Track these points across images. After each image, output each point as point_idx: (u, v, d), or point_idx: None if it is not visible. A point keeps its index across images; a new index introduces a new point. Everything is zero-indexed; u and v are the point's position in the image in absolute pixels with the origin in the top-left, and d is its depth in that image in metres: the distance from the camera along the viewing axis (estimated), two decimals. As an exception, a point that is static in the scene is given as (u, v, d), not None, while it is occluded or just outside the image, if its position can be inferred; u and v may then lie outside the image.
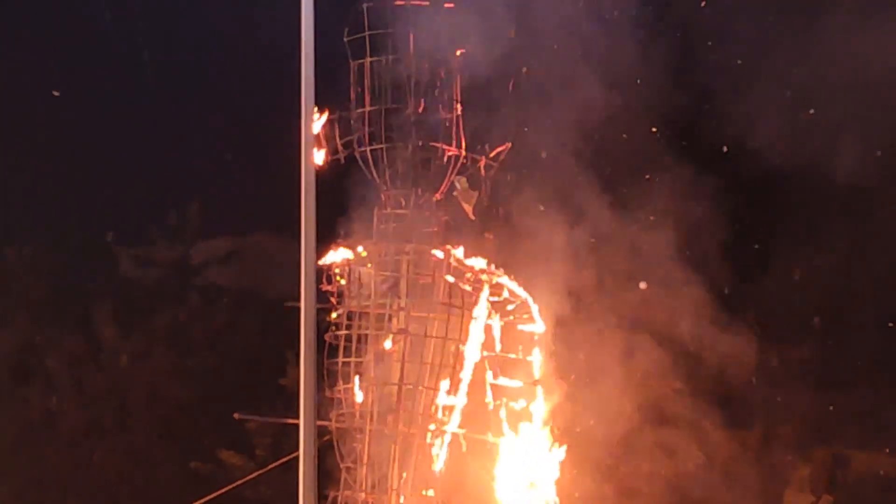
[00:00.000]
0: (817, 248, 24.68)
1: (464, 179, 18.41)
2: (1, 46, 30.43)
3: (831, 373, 24.50)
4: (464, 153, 18.46)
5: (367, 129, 18.31)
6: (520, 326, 18.70)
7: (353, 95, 18.47)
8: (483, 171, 18.61)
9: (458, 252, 18.42)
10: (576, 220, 19.99)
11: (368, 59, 18.31)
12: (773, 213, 25.07)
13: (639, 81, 21.10)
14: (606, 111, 19.92)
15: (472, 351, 18.24)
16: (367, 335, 18.12)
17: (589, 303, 20.39)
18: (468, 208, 18.45)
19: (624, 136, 22.21)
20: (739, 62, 22.73)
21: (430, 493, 18.05)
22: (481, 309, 18.33)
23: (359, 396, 18.05)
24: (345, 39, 18.37)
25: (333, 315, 18.24)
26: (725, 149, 23.52)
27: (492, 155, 18.66)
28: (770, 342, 23.79)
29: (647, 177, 22.29)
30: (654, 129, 22.96)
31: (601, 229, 20.64)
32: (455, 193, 18.46)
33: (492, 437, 18.45)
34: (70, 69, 31.16)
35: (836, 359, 24.69)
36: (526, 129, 19.29)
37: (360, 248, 18.45)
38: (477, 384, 18.36)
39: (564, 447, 18.63)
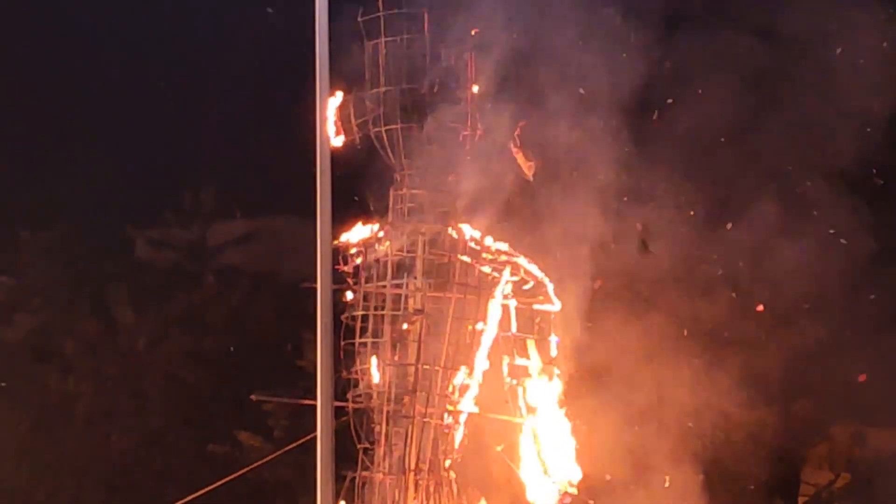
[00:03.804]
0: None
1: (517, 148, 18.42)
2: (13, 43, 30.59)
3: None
4: (479, 132, 18.42)
5: (382, 109, 18.25)
6: (536, 306, 18.66)
7: (367, 76, 18.41)
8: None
9: (476, 233, 18.39)
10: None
11: (383, 40, 18.25)
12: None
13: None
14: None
15: (488, 331, 18.21)
16: (383, 316, 18.10)
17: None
18: (529, 168, 18.38)
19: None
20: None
21: (448, 472, 18.06)
22: (498, 289, 18.29)
23: (376, 377, 18.04)
24: (359, 20, 18.31)
25: (349, 295, 18.22)
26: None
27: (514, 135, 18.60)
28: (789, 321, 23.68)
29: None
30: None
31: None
32: (514, 154, 18.38)
33: (508, 416, 18.43)
34: (85, 55, 31.23)
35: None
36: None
37: (375, 228, 18.43)
38: (493, 364, 18.34)
39: (579, 424, 18.63)
